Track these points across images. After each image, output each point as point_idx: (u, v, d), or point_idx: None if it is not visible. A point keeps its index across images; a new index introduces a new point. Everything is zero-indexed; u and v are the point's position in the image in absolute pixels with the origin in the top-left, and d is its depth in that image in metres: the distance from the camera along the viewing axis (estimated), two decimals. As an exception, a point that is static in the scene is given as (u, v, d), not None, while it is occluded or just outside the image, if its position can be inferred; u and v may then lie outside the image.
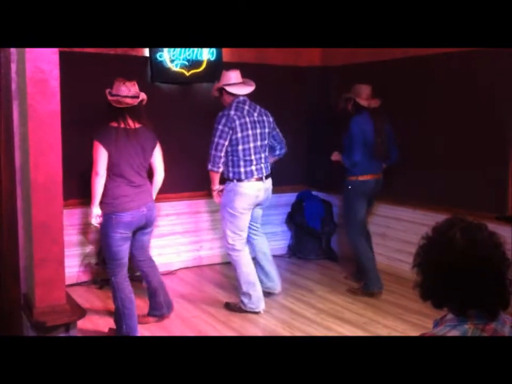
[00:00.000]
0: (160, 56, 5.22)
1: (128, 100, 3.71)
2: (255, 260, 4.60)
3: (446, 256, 1.52)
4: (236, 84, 4.31)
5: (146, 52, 5.22)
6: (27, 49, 2.85)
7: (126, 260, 3.88)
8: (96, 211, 3.77)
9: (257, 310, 4.39)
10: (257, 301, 4.39)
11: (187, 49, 5.33)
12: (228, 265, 5.67)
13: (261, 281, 4.53)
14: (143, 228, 3.96)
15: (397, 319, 4.30)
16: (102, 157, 3.68)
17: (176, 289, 4.99)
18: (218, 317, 4.34)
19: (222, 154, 4.23)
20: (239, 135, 4.21)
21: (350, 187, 4.81)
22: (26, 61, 2.85)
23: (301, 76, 6.04)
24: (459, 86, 4.74)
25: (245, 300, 4.39)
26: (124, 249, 3.84)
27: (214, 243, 5.77)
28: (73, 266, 4.99)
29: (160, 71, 5.25)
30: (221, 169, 4.29)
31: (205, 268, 5.67)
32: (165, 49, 5.22)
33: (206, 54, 5.42)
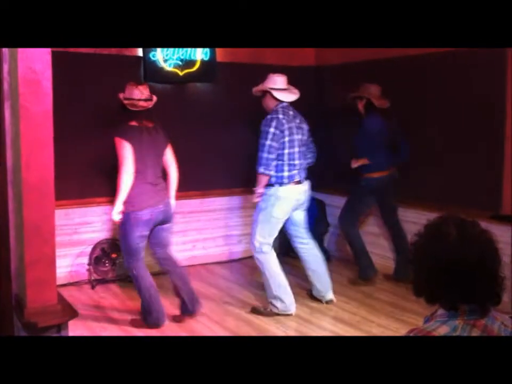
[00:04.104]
0: (153, 56, 5.21)
1: (142, 103, 3.81)
2: (306, 263, 4.59)
3: (440, 251, 1.53)
4: (282, 90, 4.31)
5: (139, 51, 5.21)
6: (19, 50, 2.83)
7: (142, 254, 4.00)
8: (119, 208, 3.81)
9: (289, 312, 4.34)
10: (290, 303, 4.35)
11: (180, 49, 5.32)
12: (222, 264, 5.69)
13: (312, 286, 4.61)
14: (160, 223, 4.02)
15: (390, 317, 4.31)
16: (129, 154, 3.73)
17: (169, 289, 4.97)
18: (212, 317, 4.34)
19: (275, 156, 4.19)
20: (287, 139, 4.21)
21: (363, 184, 4.95)
22: (19, 61, 2.83)
23: (295, 75, 6.01)
24: (454, 85, 4.75)
25: (277, 304, 4.33)
26: (142, 247, 3.95)
27: (208, 242, 5.77)
28: (65, 267, 4.97)
29: (154, 70, 5.24)
30: (272, 172, 4.23)
31: (199, 267, 5.66)
32: (158, 49, 5.21)
33: (200, 54, 5.41)
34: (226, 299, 4.64)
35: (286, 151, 4.23)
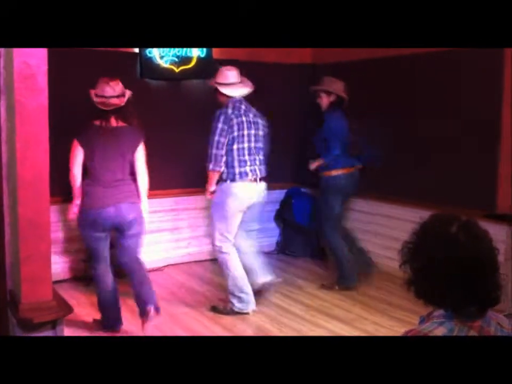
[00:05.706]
0: (149, 53, 5.20)
1: (115, 101, 3.66)
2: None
3: (448, 252, 1.48)
4: (232, 84, 4.19)
5: (135, 48, 5.20)
6: (14, 45, 2.82)
7: (104, 254, 3.86)
8: (75, 204, 3.79)
9: (245, 311, 4.32)
10: (247, 302, 4.32)
11: (176, 45, 5.31)
12: (216, 261, 5.68)
13: (252, 282, 4.42)
14: (120, 231, 3.81)
15: (385, 315, 4.33)
16: (76, 155, 3.72)
17: (164, 286, 4.98)
18: (207, 314, 4.34)
19: (223, 152, 4.12)
20: (235, 134, 4.12)
21: (326, 182, 4.85)
22: (14, 56, 2.82)
23: (292, 73, 6.03)
24: (451, 84, 4.76)
25: (234, 301, 4.32)
26: (99, 246, 3.82)
27: (202, 240, 5.76)
28: (60, 263, 4.96)
29: (150, 67, 5.23)
30: (222, 169, 4.16)
31: (193, 264, 5.66)
32: (154, 45, 5.20)
33: (196, 51, 5.41)
34: (221, 296, 4.64)
35: (235, 146, 4.14)
